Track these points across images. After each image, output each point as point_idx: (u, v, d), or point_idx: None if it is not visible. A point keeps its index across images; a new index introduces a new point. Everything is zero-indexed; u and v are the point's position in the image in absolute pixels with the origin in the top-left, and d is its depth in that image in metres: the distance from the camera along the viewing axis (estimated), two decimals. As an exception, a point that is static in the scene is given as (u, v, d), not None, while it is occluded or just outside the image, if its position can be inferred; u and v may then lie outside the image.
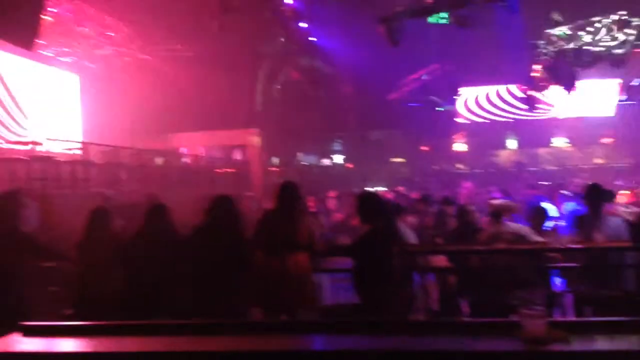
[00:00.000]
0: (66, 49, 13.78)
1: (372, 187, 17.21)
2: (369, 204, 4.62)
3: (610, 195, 5.34)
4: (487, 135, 21.55)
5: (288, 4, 14.35)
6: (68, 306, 4.83)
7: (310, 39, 16.16)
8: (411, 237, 5.78)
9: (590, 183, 5.33)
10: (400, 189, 13.08)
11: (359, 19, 14.93)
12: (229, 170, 17.52)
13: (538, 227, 5.81)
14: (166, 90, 16.24)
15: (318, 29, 16.20)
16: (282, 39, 15.84)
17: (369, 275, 4.38)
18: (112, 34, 13.50)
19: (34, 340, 2.44)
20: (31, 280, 5.18)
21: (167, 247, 4.59)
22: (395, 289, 4.40)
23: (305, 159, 22.72)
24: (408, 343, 2.35)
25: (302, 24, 15.31)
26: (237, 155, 18.32)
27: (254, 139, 18.42)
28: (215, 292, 4.40)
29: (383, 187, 17.38)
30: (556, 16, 14.73)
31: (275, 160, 20.64)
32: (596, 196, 5.03)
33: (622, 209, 6.36)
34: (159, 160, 14.67)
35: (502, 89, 21.28)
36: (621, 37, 14.43)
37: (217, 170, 17.25)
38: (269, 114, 18.19)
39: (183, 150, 17.56)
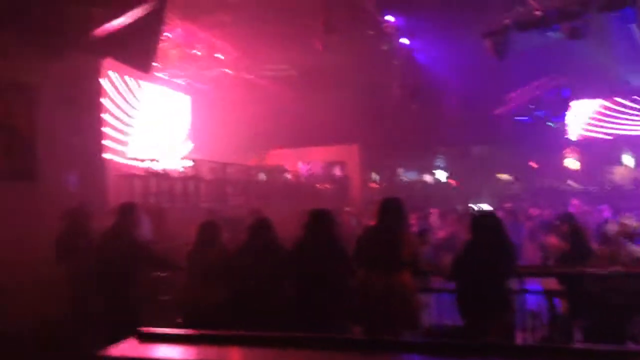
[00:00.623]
0: (179, 72, 14.64)
1: (476, 204, 16.69)
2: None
3: None
4: (601, 151, 20.18)
5: (389, 21, 14.35)
6: (178, 315, 5.07)
7: (412, 54, 16.06)
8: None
9: None
10: (507, 205, 12.58)
11: (463, 32, 14.61)
12: (328, 186, 17.72)
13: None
14: (270, 109, 16.80)
15: (421, 43, 16.04)
16: (384, 56, 15.83)
17: (470, 296, 4.23)
18: (221, 56, 14.15)
19: (148, 346, 2.57)
20: (145, 289, 5.53)
21: (270, 260, 4.71)
22: (499, 311, 4.20)
23: (406, 174, 22.48)
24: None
25: (404, 40, 15.24)
26: (337, 171, 18.49)
27: (354, 155, 18.54)
28: (315, 306, 4.44)
29: (487, 204, 16.80)
30: None
31: (375, 176, 20.60)
32: None
33: None
34: (262, 176, 15.14)
35: (616, 102, 19.91)
36: None
37: (318, 185, 17.51)
38: (370, 129, 18.23)
39: (284, 166, 18.02)
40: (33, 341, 5.21)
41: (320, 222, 4.69)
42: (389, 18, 14.19)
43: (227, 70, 15.15)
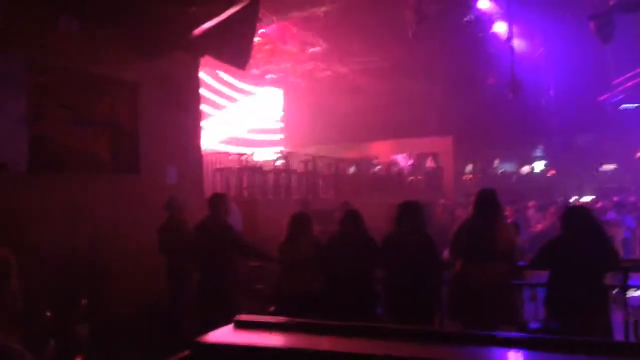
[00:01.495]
0: (272, 66, 14.98)
1: (578, 196, 15.82)
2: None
3: None
4: None
5: (484, 8, 13.87)
6: (271, 303, 5.22)
7: (509, 40, 15.43)
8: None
9: None
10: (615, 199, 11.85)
11: (565, 15, 13.85)
12: (420, 177, 17.47)
13: None
14: (362, 101, 16.79)
15: (518, 29, 15.39)
16: (479, 43, 15.34)
17: (561, 290, 4.05)
18: (313, 50, 14.32)
19: (244, 333, 2.66)
20: (240, 277, 5.74)
21: (361, 251, 4.74)
22: (595, 310, 3.98)
23: (503, 166, 21.70)
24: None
25: (500, 26, 14.68)
26: (430, 163, 18.19)
27: (448, 146, 18.15)
28: (406, 297, 4.44)
29: (590, 196, 15.88)
30: None
31: (470, 167, 20.05)
32: None
33: None
34: (352, 169, 15.19)
35: None
36: None
37: (410, 177, 17.31)
38: (464, 120, 17.76)
39: (376, 158, 17.96)
40: (135, 327, 5.56)
41: (410, 213, 4.68)
42: (483, 4, 13.71)
43: (319, 63, 15.30)
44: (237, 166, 10.64)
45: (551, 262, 4.22)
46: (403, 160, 18.40)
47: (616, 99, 18.18)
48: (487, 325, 4.20)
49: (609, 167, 20.14)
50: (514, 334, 3.35)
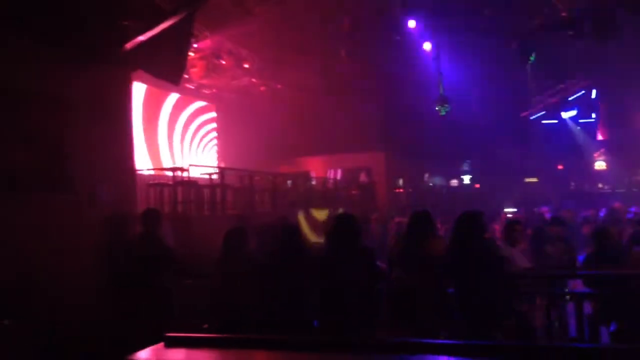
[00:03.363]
0: (206, 82, 14.88)
1: (503, 208, 16.53)
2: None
3: None
4: (631, 152, 19.83)
5: (412, 27, 14.36)
6: (205, 320, 5.17)
7: (436, 59, 16.03)
8: (520, 261, 5.51)
9: None
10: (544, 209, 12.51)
11: (489, 36, 14.54)
12: (355, 192, 17.76)
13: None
14: (297, 117, 16.92)
15: (445, 48, 16.01)
16: (409, 61, 15.84)
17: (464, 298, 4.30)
18: (247, 66, 14.33)
19: (175, 350, 2.64)
20: (172, 295, 5.65)
21: (298, 266, 4.78)
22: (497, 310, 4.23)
23: (433, 180, 22.38)
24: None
25: (427, 45, 15.24)
26: (364, 178, 18.52)
27: (380, 161, 18.56)
28: (341, 311, 4.51)
29: (514, 208, 16.63)
30: None
31: (401, 182, 20.56)
32: None
33: None
34: (289, 183, 15.26)
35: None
36: None
37: (344, 192, 17.56)
38: (396, 136, 18.23)
39: (311, 173, 18.12)
40: (69, 345, 5.36)
41: (345, 227, 4.77)
42: (412, 23, 14.20)
43: (253, 79, 15.32)
44: (171, 181, 10.47)
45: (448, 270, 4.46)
46: (330, 175, 18.70)
47: (537, 115, 19.20)
48: (425, 332, 4.40)
49: (531, 179, 21.17)
50: (442, 341, 3.49)
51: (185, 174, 10.79)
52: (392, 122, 17.91)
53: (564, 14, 11.34)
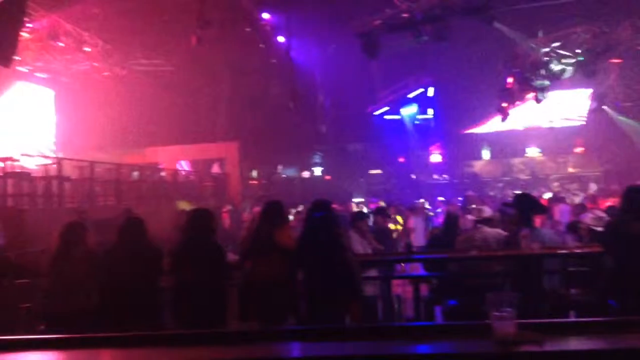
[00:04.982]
0: (42, 64, 13.67)
1: (352, 198, 17.29)
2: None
3: (540, 208, 5.31)
4: (463, 146, 21.81)
5: (266, 19, 14.40)
6: (41, 322, 4.77)
7: (289, 52, 16.26)
8: (360, 247, 5.83)
9: (520, 193, 5.26)
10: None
11: (337, 32, 15.04)
12: (207, 183, 17.46)
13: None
14: (144, 105, 16.18)
15: (297, 42, 16.27)
16: (261, 53, 15.86)
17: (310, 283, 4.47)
18: (89, 49, 13.39)
19: (7, 355, 2.41)
20: (4, 297, 5.13)
21: (143, 261, 4.58)
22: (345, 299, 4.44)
23: (286, 171, 22.73)
24: (380, 349, 2.37)
25: (280, 38, 15.39)
26: (216, 169, 18.27)
27: (233, 152, 18.41)
28: (195, 305, 4.43)
29: (361, 198, 17.47)
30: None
31: (255, 173, 20.62)
32: (526, 206, 4.97)
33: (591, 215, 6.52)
34: (135, 175, 14.56)
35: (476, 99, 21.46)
36: (591, 48, 14.76)
37: (195, 183, 17.19)
38: (249, 127, 18.21)
39: (160, 164, 17.46)
40: None
41: (198, 221, 4.70)
42: (265, 15, 14.24)
43: (96, 64, 14.37)
44: (1, 173, 9.49)
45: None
46: (181, 166, 18.24)
47: (381, 110, 20.36)
48: (279, 320, 4.47)
49: (376, 172, 22.39)
50: (291, 327, 3.56)
51: (16, 165, 9.85)
52: (246, 112, 17.89)
53: (405, 15, 12.07)
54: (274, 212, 4.88)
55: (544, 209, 5.42)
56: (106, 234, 5.95)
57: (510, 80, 16.31)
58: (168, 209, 12.05)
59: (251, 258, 4.75)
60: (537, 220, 5.24)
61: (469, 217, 6.67)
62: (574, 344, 2.34)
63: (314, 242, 4.46)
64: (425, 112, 21.63)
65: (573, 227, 6.17)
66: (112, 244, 4.79)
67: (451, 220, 6.63)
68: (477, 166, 22.49)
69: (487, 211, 6.29)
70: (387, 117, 21.24)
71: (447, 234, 6.38)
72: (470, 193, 12.88)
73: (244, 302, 4.70)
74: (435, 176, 21.95)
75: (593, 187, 15.71)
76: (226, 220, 11.66)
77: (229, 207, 12.77)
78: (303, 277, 4.53)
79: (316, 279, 4.44)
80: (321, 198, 5.04)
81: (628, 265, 4.09)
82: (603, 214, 6.93)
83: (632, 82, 17.31)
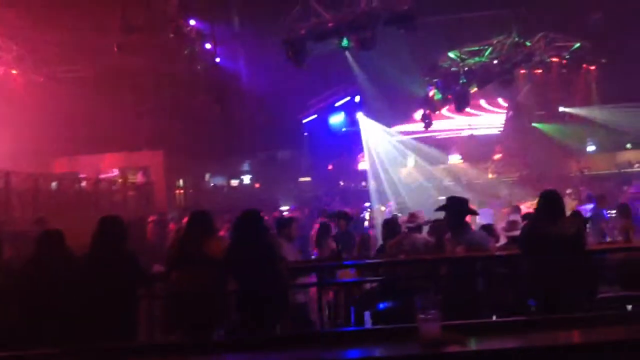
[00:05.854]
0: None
1: (282, 205, 17.29)
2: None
3: (470, 210, 5.53)
4: (389, 153, 22.28)
5: (191, 25, 14.14)
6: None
7: (216, 59, 16.04)
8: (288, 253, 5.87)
9: (451, 196, 5.39)
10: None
11: (265, 40, 15.01)
12: (131, 193, 16.90)
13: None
14: (65, 113, 15.48)
15: (224, 49, 16.09)
16: (187, 60, 15.56)
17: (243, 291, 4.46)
18: (1, 55, 12.72)
19: None
20: None
21: (60, 274, 4.38)
22: (278, 304, 4.45)
23: (214, 179, 22.39)
24: (311, 355, 2.38)
25: (207, 45, 15.16)
26: (140, 178, 17.74)
27: (158, 161, 17.95)
28: (109, 319, 4.27)
29: (290, 205, 17.50)
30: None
31: (181, 182, 20.19)
32: (457, 208, 5.08)
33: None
34: (54, 185, 13.91)
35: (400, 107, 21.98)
36: (507, 58, 15.54)
37: (118, 193, 16.61)
38: (175, 135, 17.80)
39: (81, 173, 16.74)
40: None
41: (109, 230, 4.56)
42: (191, 22, 13.99)
43: (10, 69, 13.64)
44: None
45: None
46: (102, 175, 17.61)
47: (310, 118, 20.49)
48: (207, 331, 4.38)
49: (305, 179, 22.50)
50: (221, 339, 3.51)
51: None
52: (171, 120, 17.45)
53: (330, 25, 12.22)
54: (200, 221, 4.82)
55: (474, 212, 5.63)
56: (21, 247, 5.66)
57: (432, 89, 16.86)
58: (88, 219, 11.54)
59: (177, 269, 4.64)
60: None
61: (402, 222, 6.81)
62: (496, 343, 2.44)
63: (245, 252, 4.43)
64: (353, 120, 21.98)
65: (488, 230, 6.40)
66: (28, 256, 4.55)
67: (390, 226, 6.72)
68: (403, 173, 23.04)
69: (421, 217, 6.48)
70: (315, 125, 21.41)
71: (385, 240, 6.47)
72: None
73: (170, 313, 4.59)
74: (363, 183, 22.31)
75: (505, 192, 16.44)
76: (151, 231, 11.34)
77: (154, 217, 12.42)
78: (235, 287, 4.50)
79: (248, 288, 4.41)
80: (251, 208, 4.99)
81: (544, 267, 4.31)
82: (519, 219, 7.25)
83: (545, 91, 18.33)
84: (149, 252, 5.00)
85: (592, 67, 16.60)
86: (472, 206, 5.46)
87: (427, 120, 18.24)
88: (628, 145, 20.52)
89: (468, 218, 5.19)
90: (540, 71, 16.88)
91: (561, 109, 19.72)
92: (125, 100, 16.36)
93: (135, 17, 12.13)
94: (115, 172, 18.01)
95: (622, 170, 19.13)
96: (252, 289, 4.40)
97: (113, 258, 4.44)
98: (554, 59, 16.02)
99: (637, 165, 19.76)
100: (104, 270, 4.39)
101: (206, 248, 4.58)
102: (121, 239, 4.56)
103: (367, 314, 5.85)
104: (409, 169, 23.07)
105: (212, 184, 22.00)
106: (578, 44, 15.59)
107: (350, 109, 21.54)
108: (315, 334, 3.33)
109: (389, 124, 21.83)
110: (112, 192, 16.44)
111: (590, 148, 21.26)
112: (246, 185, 22.95)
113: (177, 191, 19.59)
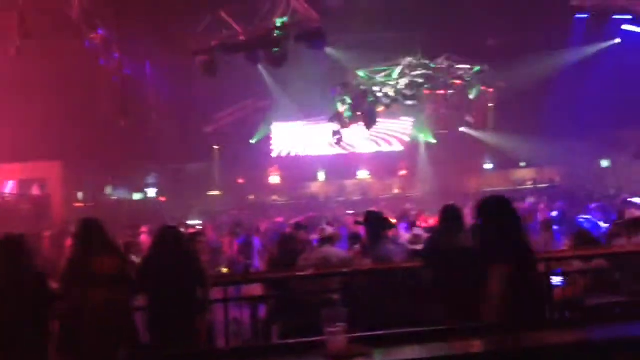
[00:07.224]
0: None
1: (188, 220, 16.85)
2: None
3: (388, 224, 5.72)
4: (300, 168, 22.46)
5: (96, 33, 13.58)
6: None
7: (122, 68, 15.47)
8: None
9: (370, 210, 5.61)
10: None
11: (174, 50, 14.72)
12: (25, 206, 15.84)
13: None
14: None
15: (131, 58, 15.57)
16: (89, 67, 14.91)
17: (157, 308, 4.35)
18: None
19: None
20: None
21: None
22: (189, 320, 4.36)
23: (116, 192, 21.42)
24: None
25: (113, 54, 14.61)
26: (36, 190, 16.69)
27: (56, 172, 16.98)
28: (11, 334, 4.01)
29: (198, 220, 17.12)
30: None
31: (81, 194, 19.16)
32: (375, 222, 5.27)
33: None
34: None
35: (311, 124, 22.29)
36: (413, 79, 16.22)
37: (11, 207, 15.53)
38: (74, 145, 16.90)
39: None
40: None
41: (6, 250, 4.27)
42: (96, 30, 13.45)
43: None
44: None
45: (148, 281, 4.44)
46: (9, 188, 16.49)
47: (218, 131, 20.25)
48: (108, 351, 4.18)
49: (214, 192, 22.12)
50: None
51: None
52: (70, 129, 16.51)
53: (242, 38, 12.21)
54: (91, 234, 4.59)
55: (391, 225, 5.84)
56: None
57: (341, 106, 17.19)
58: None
59: (73, 286, 4.40)
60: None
61: (313, 236, 6.86)
62: (401, 353, 2.51)
63: (162, 268, 4.32)
64: (261, 134, 22.00)
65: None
66: None
67: (285, 241, 6.72)
68: (314, 187, 23.30)
69: (329, 230, 6.56)
70: (224, 137, 21.16)
71: (283, 255, 6.45)
72: (311, 214, 13.31)
73: (65, 333, 4.33)
74: (274, 197, 22.29)
75: (408, 207, 17.06)
76: (47, 246, 10.69)
77: (50, 232, 11.71)
78: (148, 304, 4.37)
79: (164, 305, 4.29)
80: (169, 225, 4.98)
81: (446, 278, 4.50)
82: (421, 232, 7.55)
83: (448, 111, 19.21)
84: (45, 269, 4.69)
85: (490, 90, 17.62)
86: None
87: (338, 137, 18.56)
88: (522, 164, 22.13)
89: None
90: (442, 92, 17.69)
91: (461, 129, 20.75)
92: (21, 108, 15.36)
93: (35, 22, 11.50)
94: (8, 184, 16.85)
95: (518, 187, 20.49)
96: (168, 305, 4.29)
97: (12, 278, 4.19)
98: (456, 82, 16.87)
99: (529, 182, 21.30)
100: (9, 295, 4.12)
101: (99, 264, 4.37)
102: (18, 258, 4.28)
103: (274, 329, 5.83)
104: (320, 183, 23.40)
105: (113, 197, 21.03)
106: (478, 67, 16.52)
107: (259, 123, 21.57)
108: (222, 351, 3.27)
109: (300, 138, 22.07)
110: (3, 205, 15.36)
111: (488, 166, 22.65)
112: (150, 198, 22.15)
113: (76, 204, 18.57)
